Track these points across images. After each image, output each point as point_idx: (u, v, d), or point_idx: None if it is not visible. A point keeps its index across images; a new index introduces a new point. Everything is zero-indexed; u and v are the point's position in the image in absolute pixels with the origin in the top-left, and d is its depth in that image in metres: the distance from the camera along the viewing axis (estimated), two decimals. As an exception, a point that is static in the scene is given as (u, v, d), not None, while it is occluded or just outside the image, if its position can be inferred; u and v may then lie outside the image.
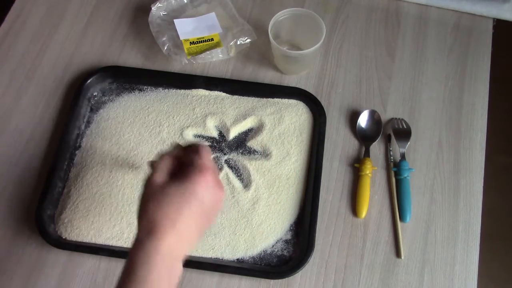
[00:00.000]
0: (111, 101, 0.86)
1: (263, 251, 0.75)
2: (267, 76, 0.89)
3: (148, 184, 0.57)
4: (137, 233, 0.55)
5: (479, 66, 0.90)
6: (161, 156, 0.60)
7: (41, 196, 0.76)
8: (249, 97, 0.86)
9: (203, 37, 0.89)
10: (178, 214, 0.53)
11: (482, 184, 0.81)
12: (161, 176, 0.57)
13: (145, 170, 0.80)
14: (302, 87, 0.86)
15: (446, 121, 0.86)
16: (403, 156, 0.82)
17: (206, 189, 0.56)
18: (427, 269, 0.75)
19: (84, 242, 0.75)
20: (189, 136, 0.83)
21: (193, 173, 0.56)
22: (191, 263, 0.73)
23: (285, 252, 0.75)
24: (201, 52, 0.88)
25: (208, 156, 0.59)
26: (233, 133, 0.84)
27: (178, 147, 0.63)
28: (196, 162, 0.57)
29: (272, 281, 0.74)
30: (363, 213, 0.78)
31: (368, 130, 0.84)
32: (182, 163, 0.59)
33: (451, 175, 0.81)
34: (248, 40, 0.89)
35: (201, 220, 0.56)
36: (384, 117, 0.85)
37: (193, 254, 0.74)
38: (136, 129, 0.83)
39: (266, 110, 0.85)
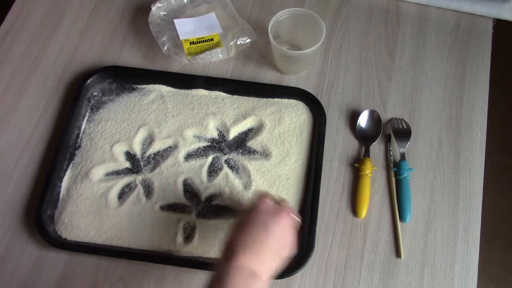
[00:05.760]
0: (111, 101, 0.86)
1: (263, 251, 0.75)
2: (267, 76, 0.89)
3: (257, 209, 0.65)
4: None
5: (479, 66, 0.90)
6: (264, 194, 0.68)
7: (41, 196, 0.76)
8: (249, 97, 0.86)
9: (203, 37, 0.89)
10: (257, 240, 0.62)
11: (482, 184, 0.81)
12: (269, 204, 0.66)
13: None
14: (302, 87, 0.86)
15: (446, 121, 0.86)
16: (403, 156, 0.82)
17: (281, 226, 0.64)
18: (427, 269, 0.75)
19: (84, 242, 0.75)
20: (189, 136, 0.83)
21: (279, 212, 0.65)
22: (191, 263, 0.73)
23: (285, 252, 0.75)
24: (201, 52, 0.88)
25: (292, 210, 0.69)
26: (233, 133, 0.84)
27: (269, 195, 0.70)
28: (283, 205, 0.67)
29: (272, 281, 0.74)
30: (363, 213, 0.78)
31: (368, 130, 0.84)
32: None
33: (451, 175, 0.81)
34: (248, 40, 0.89)
35: (274, 246, 0.63)
36: (384, 117, 0.85)
37: (194, 254, 0.74)
38: (136, 129, 0.83)
39: (266, 110, 0.85)
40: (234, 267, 0.59)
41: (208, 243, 0.75)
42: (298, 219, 0.68)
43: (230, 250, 0.61)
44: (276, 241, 0.63)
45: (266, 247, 0.62)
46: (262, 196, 0.67)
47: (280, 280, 0.73)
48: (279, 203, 0.68)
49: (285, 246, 0.65)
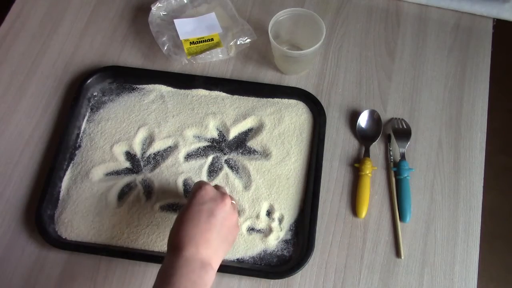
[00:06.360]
0: (111, 101, 0.86)
1: (263, 251, 0.75)
2: (267, 76, 0.89)
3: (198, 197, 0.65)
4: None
5: (479, 66, 0.90)
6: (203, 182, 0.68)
7: (41, 196, 0.76)
8: (249, 97, 0.86)
9: (203, 37, 0.89)
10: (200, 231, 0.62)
11: (482, 184, 0.81)
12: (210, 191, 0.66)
13: (146, 171, 0.80)
14: (302, 87, 0.86)
15: (446, 121, 0.86)
16: (403, 156, 0.82)
17: (223, 211, 0.64)
18: (427, 269, 0.75)
19: (84, 242, 0.75)
20: (189, 136, 0.83)
21: (221, 197, 0.66)
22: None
23: (285, 252, 0.75)
24: (201, 52, 0.88)
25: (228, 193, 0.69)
26: (233, 133, 0.84)
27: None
28: (220, 191, 0.68)
29: (272, 281, 0.74)
30: (363, 213, 0.78)
31: (368, 130, 0.84)
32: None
33: (451, 175, 0.81)
34: (248, 40, 0.89)
35: (221, 232, 0.63)
36: (384, 117, 0.85)
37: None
38: (136, 129, 0.83)
39: (266, 110, 0.85)
40: (184, 259, 0.58)
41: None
42: (234, 201, 0.70)
43: (178, 243, 0.60)
44: (224, 227, 0.63)
45: (215, 235, 0.62)
46: (200, 184, 0.66)
47: (280, 280, 0.73)
48: (217, 188, 0.68)
49: (231, 231, 0.65)
